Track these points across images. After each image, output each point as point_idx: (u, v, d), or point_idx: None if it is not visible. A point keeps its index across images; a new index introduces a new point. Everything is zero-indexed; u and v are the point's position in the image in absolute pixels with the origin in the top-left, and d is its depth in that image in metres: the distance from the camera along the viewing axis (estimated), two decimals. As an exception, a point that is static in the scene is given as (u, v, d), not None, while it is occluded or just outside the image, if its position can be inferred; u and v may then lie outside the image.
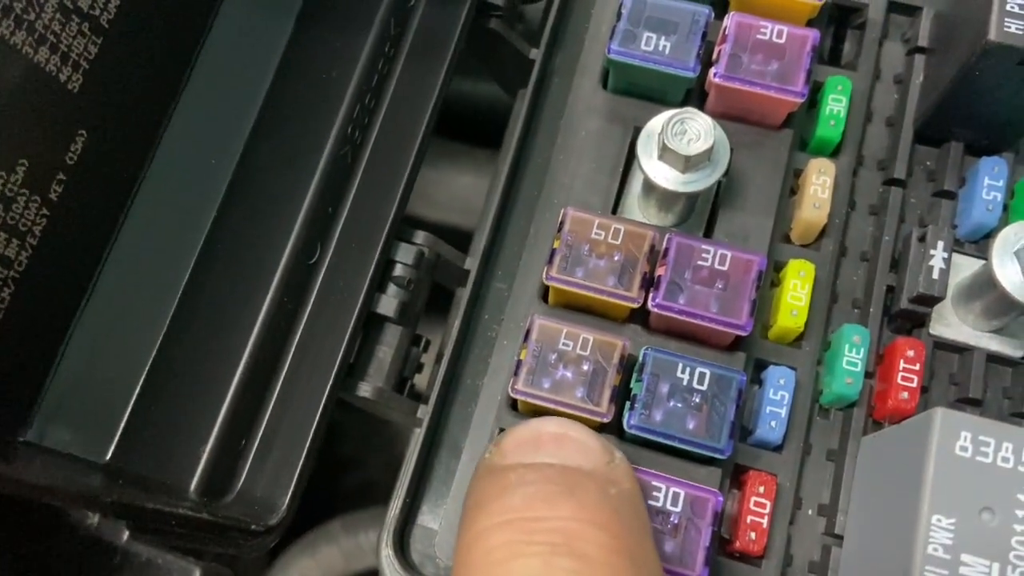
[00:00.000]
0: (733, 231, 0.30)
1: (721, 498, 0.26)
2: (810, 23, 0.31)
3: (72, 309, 0.26)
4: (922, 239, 0.29)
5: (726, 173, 0.29)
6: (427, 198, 0.49)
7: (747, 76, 0.29)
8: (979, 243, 0.31)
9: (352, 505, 0.46)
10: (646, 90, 0.31)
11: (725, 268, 0.27)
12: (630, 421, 0.26)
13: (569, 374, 0.27)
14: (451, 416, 0.30)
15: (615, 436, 0.27)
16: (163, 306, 0.28)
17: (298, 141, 0.30)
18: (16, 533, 0.24)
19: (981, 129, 0.31)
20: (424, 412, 0.30)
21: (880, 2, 0.33)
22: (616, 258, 0.28)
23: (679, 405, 0.26)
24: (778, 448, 0.29)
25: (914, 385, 0.28)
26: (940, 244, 0.29)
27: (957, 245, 0.30)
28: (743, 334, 0.27)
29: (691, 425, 0.26)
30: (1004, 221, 0.30)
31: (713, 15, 0.30)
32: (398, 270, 0.31)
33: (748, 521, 0.28)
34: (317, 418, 0.28)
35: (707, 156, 0.28)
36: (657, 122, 0.28)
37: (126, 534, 0.24)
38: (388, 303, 0.30)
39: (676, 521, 0.25)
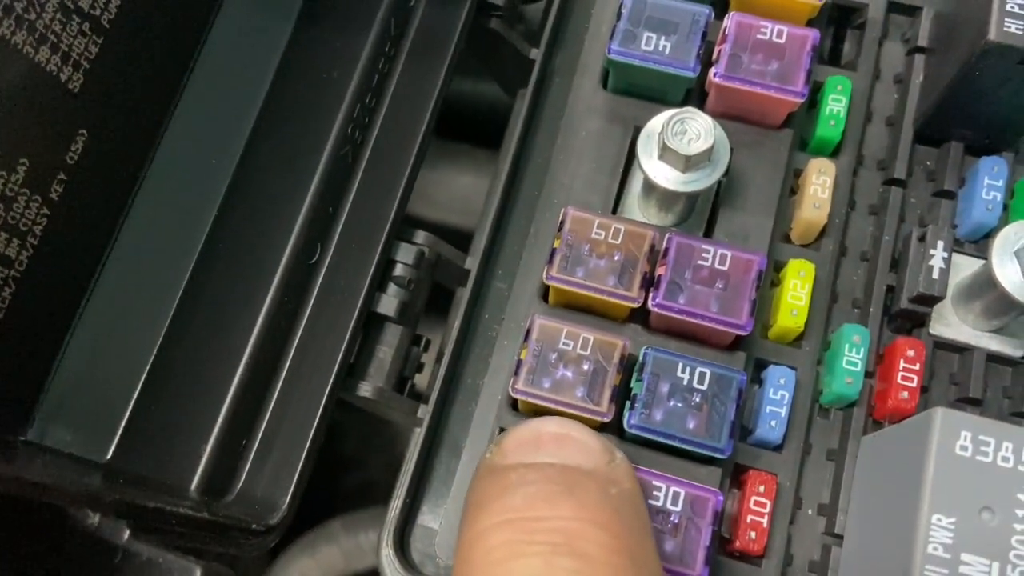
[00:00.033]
0: (733, 231, 0.30)
1: (721, 497, 0.26)
2: (810, 23, 0.31)
3: (73, 309, 0.26)
4: (922, 239, 0.29)
5: (726, 173, 0.29)
6: (427, 198, 0.49)
7: (747, 76, 0.29)
8: (979, 243, 0.31)
9: (352, 505, 0.46)
10: (646, 90, 0.31)
11: (725, 268, 0.27)
12: (630, 421, 0.26)
13: (569, 374, 0.27)
14: (451, 416, 0.30)
15: (615, 436, 0.27)
16: (164, 306, 0.28)
17: (298, 141, 0.30)
18: (17, 532, 0.24)
19: (981, 129, 0.31)
20: (424, 412, 0.30)
21: (880, 2, 0.33)
22: (616, 258, 0.28)
23: (679, 405, 0.26)
24: (778, 448, 0.29)
25: (914, 385, 0.28)
26: (940, 244, 0.29)
27: (957, 245, 0.30)
28: (743, 334, 0.27)
29: (691, 425, 0.26)
30: (1004, 221, 0.30)
31: (713, 15, 0.30)
32: (398, 270, 0.31)
33: (748, 520, 0.28)
34: (317, 418, 0.28)
35: (707, 156, 0.28)
36: (657, 122, 0.28)
37: (127, 533, 0.24)
38: (388, 303, 0.30)
39: (676, 520, 0.25)
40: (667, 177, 0.28)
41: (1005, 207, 0.30)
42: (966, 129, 0.31)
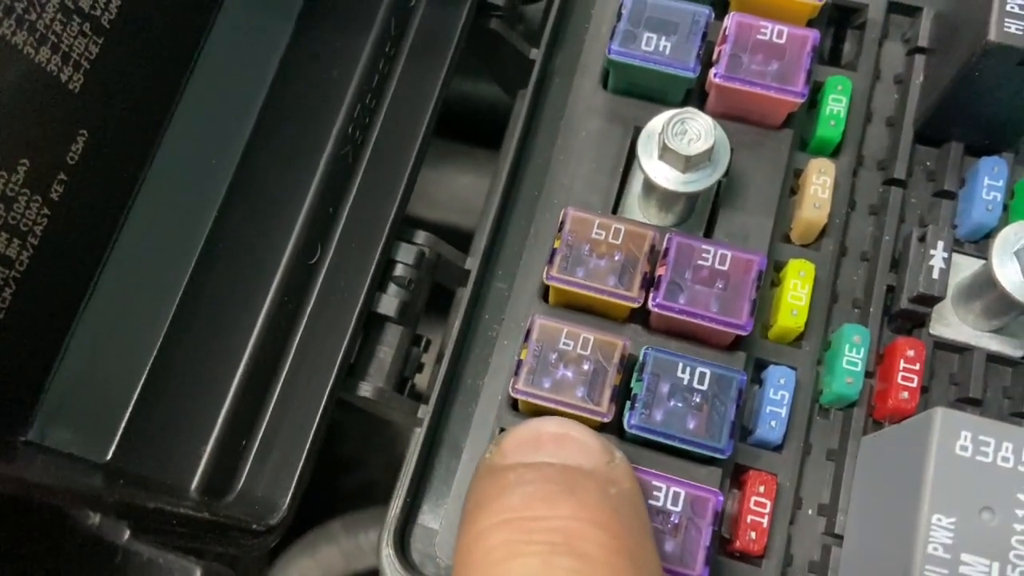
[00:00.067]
0: (733, 231, 0.30)
1: (721, 498, 0.26)
2: (810, 23, 0.31)
3: (73, 309, 0.26)
4: (922, 239, 0.29)
5: (726, 173, 0.29)
6: (428, 198, 0.49)
7: (747, 76, 0.29)
8: (979, 243, 0.31)
9: (352, 505, 0.46)
10: (646, 90, 0.31)
11: (725, 268, 0.27)
12: (630, 421, 0.26)
13: (570, 374, 0.27)
14: (452, 416, 0.30)
15: (615, 436, 0.27)
16: (164, 306, 0.28)
17: (299, 141, 0.30)
18: (17, 533, 0.24)
19: (981, 129, 0.31)
20: (424, 412, 0.30)
21: (880, 2, 0.33)
22: (616, 258, 0.28)
23: (679, 405, 0.26)
24: (778, 448, 0.29)
25: (914, 385, 0.28)
26: (940, 244, 0.29)
27: (957, 245, 0.30)
28: (743, 334, 0.27)
29: (691, 425, 0.26)
30: (1004, 221, 0.30)
31: (713, 15, 0.30)
32: (399, 270, 0.31)
33: (748, 521, 0.28)
34: (317, 418, 0.28)
35: (707, 156, 0.28)
36: (657, 122, 0.28)
37: (127, 534, 0.24)
38: (389, 303, 0.30)
39: (676, 521, 0.25)
40: (667, 177, 0.28)
41: (1005, 207, 0.30)
42: (966, 129, 0.31)
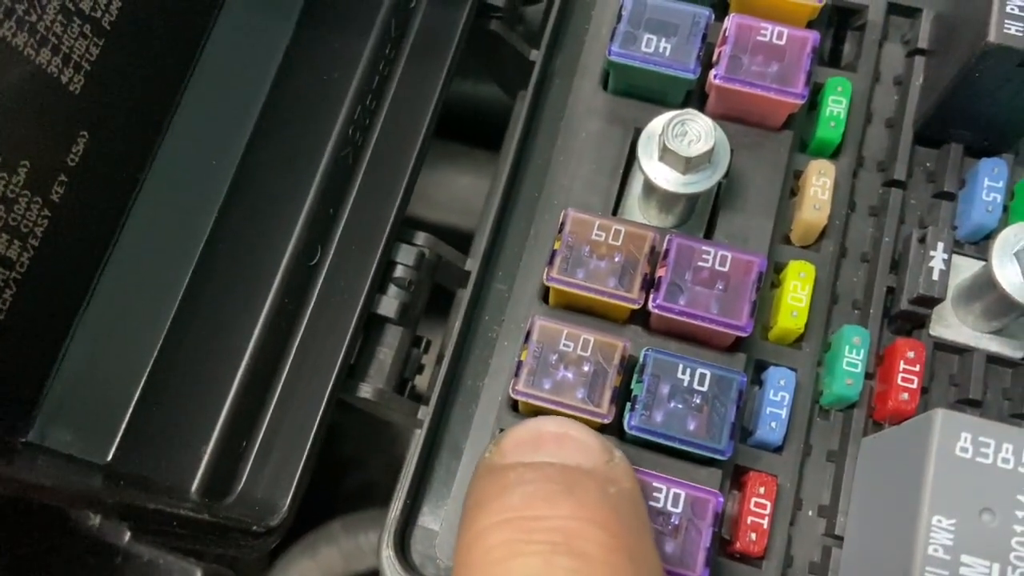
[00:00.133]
0: (733, 232, 0.30)
1: (721, 499, 0.26)
2: (810, 25, 0.31)
3: (73, 310, 0.26)
4: (922, 240, 0.29)
5: (726, 174, 0.29)
6: (428, 199, 0.49)
7: (747, 78, 0.29)
8: (979, 244, 0.31)
9: (352, 506, 0.46)
10: (646, 91, 0.31)
11: (725, 269, 0.27)
12: (631, 422, 0.26)
13: (570, 375, 0.27)
14: (452, 417, 0.30)
15: (616, 437, 0.27)
16: (164, 307, 0.28)
17: (299, 142, 0.30)
18: (17, 534, 0.24)
19: (981, 130, 0.31)
20: (425, 413, 0.30)
21: (880, 3, 0.33)
22: (617, 259, 0.28)
23: (679, 406, 0.26)
24: (778, 449, 0.29)
25: (914, 386, 0.28)
26: (940, 245, 0.29)
27: (957, 246, 0.30)
28: (743, 335, 0.27)
29: (692, 426, 0.26)
30: (1004, 222, 0.30)
31: (713, 17, 0.30)
32: (399, 271, 0.31)
33: (748, 522, 0.28)
34: (318, 419, 0.28)
35: (707, 157, 0.28)
36: (657, 123, 0.28)
37: (127, 535, 0.24)
38: (389, 304, 0.30)
39: (677, 522, 0.25)
40: (667, 179, 0.28)
41: (1005, 208, 0.30)
42: (966, 130, 0.31)
